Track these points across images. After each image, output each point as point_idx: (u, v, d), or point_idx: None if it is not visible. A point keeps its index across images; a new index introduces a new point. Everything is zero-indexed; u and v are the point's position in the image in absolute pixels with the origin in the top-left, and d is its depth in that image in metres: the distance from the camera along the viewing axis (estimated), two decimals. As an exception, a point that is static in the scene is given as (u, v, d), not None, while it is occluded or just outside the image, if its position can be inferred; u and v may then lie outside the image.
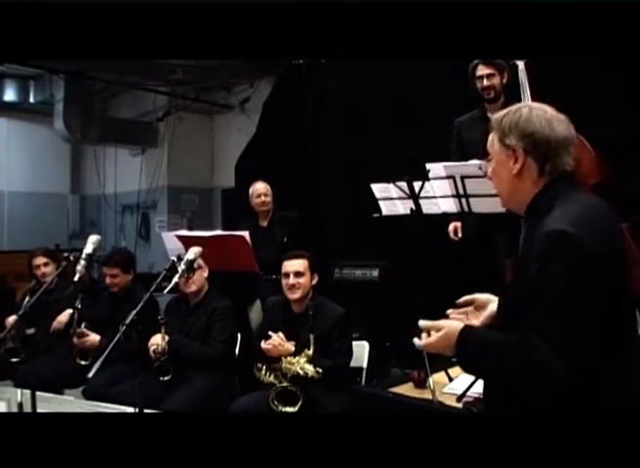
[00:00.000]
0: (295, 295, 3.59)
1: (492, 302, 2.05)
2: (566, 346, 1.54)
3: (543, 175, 1.78)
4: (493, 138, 1.86)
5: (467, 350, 1.76)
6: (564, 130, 1.77)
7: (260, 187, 5.15)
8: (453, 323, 1.85)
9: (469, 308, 2.10)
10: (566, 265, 1.57)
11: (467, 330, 1.79)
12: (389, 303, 4.97)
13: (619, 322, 1.64)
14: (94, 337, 4.15)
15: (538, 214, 1.74)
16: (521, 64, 3.83)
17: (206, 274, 3.99)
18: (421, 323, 1.86)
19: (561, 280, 1.56)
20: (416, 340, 1.88)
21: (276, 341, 3.43)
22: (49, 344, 4.51)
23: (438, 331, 1.82)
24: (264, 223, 5.18)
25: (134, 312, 2.54)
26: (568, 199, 1.72)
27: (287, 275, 3.60)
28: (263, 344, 3.47)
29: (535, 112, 1.79)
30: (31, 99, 8.73)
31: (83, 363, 4.20)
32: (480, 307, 2.08)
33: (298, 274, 3.59)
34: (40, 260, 4.71)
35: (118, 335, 2.48)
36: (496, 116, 1.88)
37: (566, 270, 1.57)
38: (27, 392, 2.47)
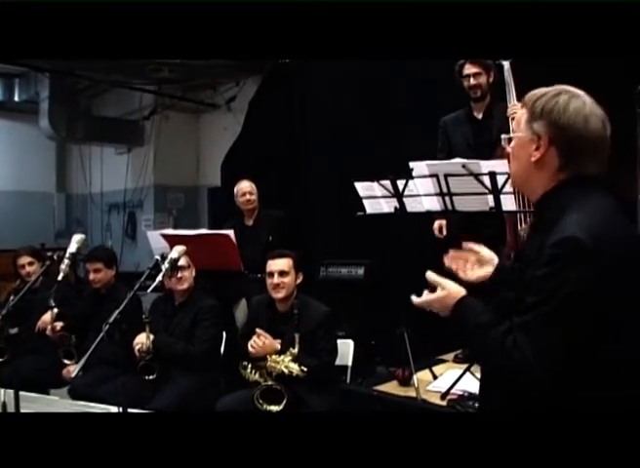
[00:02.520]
0: (279, 295, 3.59)
1: (491, 264, 2.04)
2: (549, 358, 1.53)
3: (563, 171, 1.67)
4: (521, 116, 1.73)
5: (461, 320, 1.76)
6: (599, 129, 1.65)
7: (244, 186, 5.15)
8: (455, 287, 1.80)
9: (472, 257, 2.08)
10: (575, 276, 1.51)
11: (466, 301, 1.77)
12: (375, 302, 4.99)
13: (621, 334, 1.57)
14: None
15: (550, 213, 1.66)
16: (506, 64, 3.87)
17: (194, 273, 4.00)
18: (430, 275, 1.84)
19: (567, 290, 1.52)
20: (414, 297, 1.87)
21: (260, 342, 3.43)
22: (34, 344, 4.50)
23: (442, 289, 1.80)
24: (250, 222, 5.17)
25: (117, 311, 2.53)
26: (584, 204, 1.62)
27: (271, 274, 3.61)
28: (249, 345, 3.47)
29: (573, 103, 1.65)
30: (16, 98, 8.66)
31: (68, 362, 4.20)
32: (480, 262, 2.07)
33: (282, 273, 3.59)
34: (25, 260, 4.69)
35: (101, 335, 2.47)
36: (532, 92, 1.74)
37: (574, 282, 1.51)
38: (11, 392, 2.47)
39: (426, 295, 1.84)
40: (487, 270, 2.04)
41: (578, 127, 1.63)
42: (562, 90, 1.69)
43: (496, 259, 2.04)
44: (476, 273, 2.06)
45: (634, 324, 1.59)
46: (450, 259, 2.11)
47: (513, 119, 3.35)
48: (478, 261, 2.07)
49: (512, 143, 1.77)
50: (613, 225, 1.61)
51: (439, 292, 1.81)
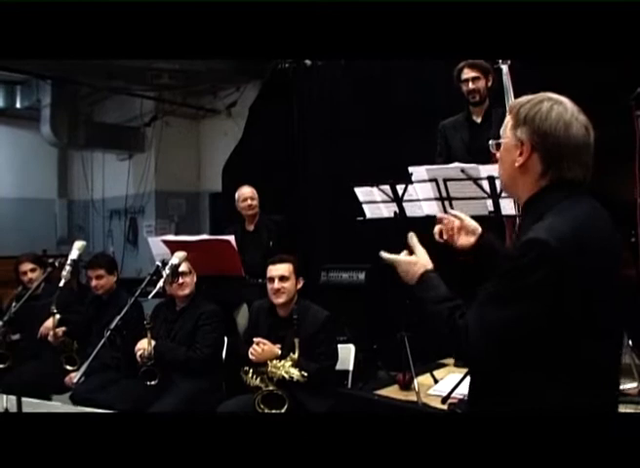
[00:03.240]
0: (279, 300, 3.60)
1: (474, 234, 2.09)
2: (485, 334, 1.62)
3: (545, 176, 1.71)
4: (507, 123, 1.79)
5: (421, 290, 1.83)
6: (581, 136, 1.69)
7: (246, 191, 5.17)
8: (426, 258, 1.88)
9: (457, 223, 2.11)
10: (535, 273, 1.57)
11: (431, 274, 1.84)
12: (376, 306, 5.00)
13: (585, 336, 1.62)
14: None
15: (532, 217, 1.71)
16: (505, 68, 3.87)
17: (195, 278, 4.01)
18: (411, 237, 1.92)
19: (522, 282, 1.59)
20: (383, 253, 1.95)
21: (259, 349, 3.44)
22: (35, 350, 4.52)
23: (415, 255, 1.88)
24: (251, 227, 5.19)
25: (118, 317, 2.55)
26: (563, 208, 1.67)
27: (272, 279, 3.62)
28: (249, 352, 3.48)
29: (555, 110, 1.70)
30: (18, 105, 8.69)
31: (70, 368, 4.21)
32: (463, 231, 2.11)
33: (282, 278, 3.61)
34: (27, 266, 4.72)
35: (103, 340, 2.49)
36: (516, 100, 1.81)
37: (532, 276, 1.57)
38: (13, 398, 2.48)
39: (397, 256, 1.92)
40: (469, 239, 2.09)
41: (559, 133, 1.68)
42: (545, 97, 1.74)
43: (479, 230, 2.09)
44: (460, 240, 2.10)
45: (604, 326, 1.65)
46: (438, 233, 2.18)
47: None
48: (463, 229, 2.11)
49: (500, 148, 1.82)
50: (590, 229, 1.65)
51: (410, 257, 1.89)
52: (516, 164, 1.73)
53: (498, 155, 1.84)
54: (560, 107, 1.71)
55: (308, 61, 6.60)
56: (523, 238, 1.64)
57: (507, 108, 1.89)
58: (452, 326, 1.69)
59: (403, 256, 1.90)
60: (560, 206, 1.67)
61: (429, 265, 1.86)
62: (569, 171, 1.70)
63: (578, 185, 1.72)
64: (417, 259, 1.87)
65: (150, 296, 2.87)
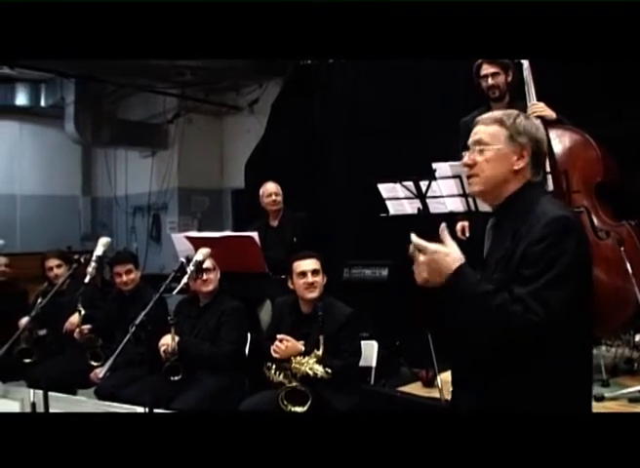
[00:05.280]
0: (312, 294, 3.59)
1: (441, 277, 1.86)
2: (560, 319, 1.75)
3: (533, 175, 1.99)
4: (498, 132, 1.99)
5: (460, 286, 1.80)
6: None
7: (270, 187, 5.18)
8: (459, 252, 1.84)
9: (421, 258, 1.89)
10: (572, 247, 1.79)
11: (468, 268, 1.82)
12: (399, 303, 4.98)
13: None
14: None
15: (519, 207, 1.94)
16: (526, 63, 3.79)
17: (219, 275, 4.02)
18: (443, 230, 1.89)
19: (566, 259, 1.77)
20: (414, 236, 1.88)
21: (282, 346, 3.44)
22: (61, 345, 4.56)
23: (447, 247, 1.84)
24: (275, 223, 5.20)
25: (143, 313, 2.56)
26: (547, 196, 2.00)
27: (304, 274, 3.60)
28: (272, 349, 3.48)
29: (538, 123, 2.06)
30: (42, 103, 8.77)
31: (95, 363, 4.25)
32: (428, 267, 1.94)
33: (314, 272, 3.60)
34: (53, 262, 4.76)
35: (127, 336, 2.50)
36: (499, 113, 2.05)
37: (571, 251, 1.79)
38: (40, 392, 2.51)
39: (431, 244, 1.85)
40: (436, 278, 1.87)
41: (544, 141, 2.03)
42: (523, 114, 2.07)
43: (453, 266, 1.83)
44: (422, 275, 1.90)
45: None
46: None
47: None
48: (428, 265, 1.87)
49: (489, 154, 1.98)
50: (571, 209, 2.08)
51: (442, 248, 1.84)
52: (515, 167, 1.96)
53: (480, 159, 1.99)
54: (537, 120, 2.10)
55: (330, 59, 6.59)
56: (545, 218, 1.83)
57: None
58: (519, 320, 1.73)
59: (436, 245, 1.85)
60: (542, 197, 1.96)
61: (463, 259, 1.84)
62: (542, 172, 2.06)
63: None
64: (449, 251, 1.84)
65: (174, 292, 2.88)
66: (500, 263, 1.89)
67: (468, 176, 2.04)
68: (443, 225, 1.90)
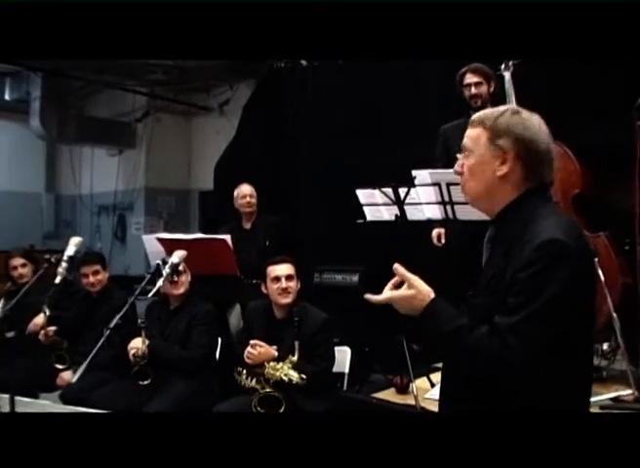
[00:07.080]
0: (286, 300, 3.56)
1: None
2: (543, 356, 1.60)
3: (527, 182, 1.77)
4: (479, 135, 1.80)
5: (433, 323, 1.71)
6: (549, 142, 1.78)
7: (245, 189, 5.14)
8: (425, 287, 1.74)
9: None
10: (561, 276, 1.59)
11: (439, 303, 1.72)
12: (370, 308, 4.96)
13: (589, 333, 1.75)
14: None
15: (517, 222, 1.73)
16: (507, 75, 3.91)
17: (190, 278, 3.96)
18: (398, 268, 1.76)
19: (553, 289, 1.58)
20: (370, 296, 1.77)
21: (255, 352, 3.40)
22: (24, 347, 4.43)
23: (411, 287, 1.73)
24: (248, 226, 5.15)
25: (118, 316, 2.51)
26: (549, 210, 1.75)
27: (278, 279, 3.57)
28: (245, 356, 3.43)
29: (530, 120, 1.78)
30: (7, 97, 8.57)
31: (60, 367, 4.14)
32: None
33: (289, 277, 3.58)
34: (17, 261, 4.63)
35: (102, 340, 2.44)
36: (485, 113, 1.84)
37: (560, 281, 1.59)
38: (5, 396, 2.43)
39: (391, 292, 1.76)
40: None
41: (538, 140, 1.76)
42: (513, 108, 1.83)
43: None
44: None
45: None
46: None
47: None
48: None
49: (469, 160, 1.82)
50: (574, 228, 1.73)
51: (407, 291, 1.74)
52: (498, 173, 1.76)
53: (465, 168, 1.83)
54: (532, 117, 1.80)
55: (304, 61, 6.56)
56: (531, 241, 1.63)
57: (471, 121, 1.87)
58: (497, 356, 1.60)
59: (399, 293, 1.75)
60: (541, 211, 1.73)
61: (432, 294, 1.74)
62: (546, 175, 1.79)
63: (548, 187, 1.83)
64: (415, 292, 1.73)
65: (150, 295, 2.82)
66: (490, 286, 1.75)
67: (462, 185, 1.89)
68: (395, 265, 1.76)
